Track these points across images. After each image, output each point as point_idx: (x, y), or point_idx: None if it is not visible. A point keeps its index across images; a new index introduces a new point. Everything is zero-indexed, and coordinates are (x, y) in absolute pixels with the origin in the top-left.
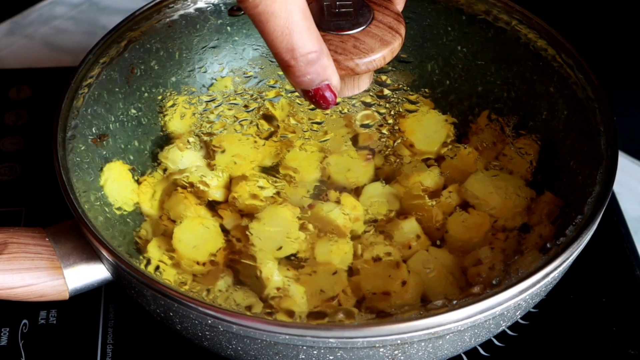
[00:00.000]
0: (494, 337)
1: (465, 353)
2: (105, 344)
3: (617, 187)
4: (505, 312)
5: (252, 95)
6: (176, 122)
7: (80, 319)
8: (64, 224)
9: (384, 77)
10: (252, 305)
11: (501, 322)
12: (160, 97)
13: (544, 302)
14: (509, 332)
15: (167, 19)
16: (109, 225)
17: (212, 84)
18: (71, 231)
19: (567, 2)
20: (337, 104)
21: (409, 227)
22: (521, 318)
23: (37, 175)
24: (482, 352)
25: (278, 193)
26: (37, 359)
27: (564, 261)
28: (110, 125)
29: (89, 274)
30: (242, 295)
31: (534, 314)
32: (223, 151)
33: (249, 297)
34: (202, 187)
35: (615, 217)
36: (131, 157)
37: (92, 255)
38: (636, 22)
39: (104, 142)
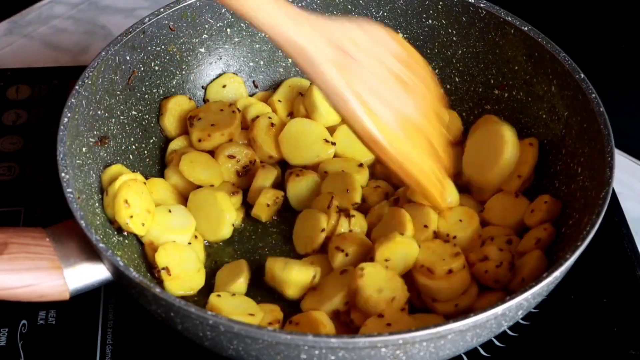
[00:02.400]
0: (495, 337)
1: (466, 353)
2: (104, 344)
3: (618, 187)
4: (507, 312)
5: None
6: (175, 123)
7: (80, 319)
8: (64, 223)
9: None
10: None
11: (503, 321)
12: (160, 99)
13: (544, 303)
14: (509, 332)
15: (169, 22)
16: (109, 226)
17: (210, 82)
18: (71, 231)
19: (568, 4)
20: None
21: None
22: (522, 318)
23: (36, 175)
24: (482, 352)
25: None
26: None
27: (566, 261)
28: (111, 126)
29: (90, 274)
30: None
31: (535, 314)
32: (199, 119)
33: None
34: None
35: (616, 217)
36: (131, 158)
37: (92, 255)
38: (635, 23)
39: (105, 144)
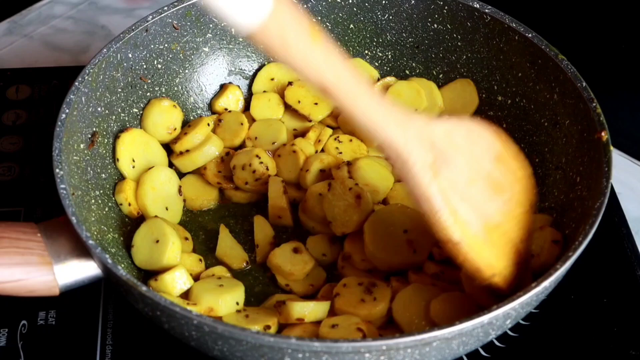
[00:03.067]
0: (495, 337)
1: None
2: (104, 345)
3: (618, 187)
4: (494, 321)
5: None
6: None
7: (79, 320)
8: (56, 219)
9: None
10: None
11: (490, 330)
12: (162, 97)
13: (544, 302)
14: (509, 332)
15: (172, 21)
16: (105, 224)
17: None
18: (63, 227)
19: (569, 6)
20: None
21: None
22: (522, 319)
23: (36, 175)
24: (482, 352)
25: None
26: None
27: (556, 271)
28: (112, 123)
29: (80, 270)
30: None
31: (535, 314)
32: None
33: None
34: None
35: (616, 217)
36: None
37: (83, 251)
38: (635, 25)
39: (98, 140)
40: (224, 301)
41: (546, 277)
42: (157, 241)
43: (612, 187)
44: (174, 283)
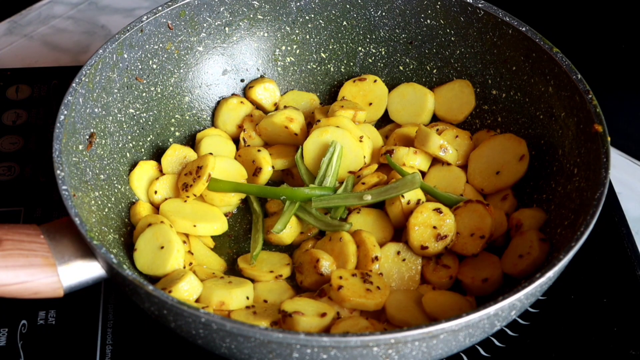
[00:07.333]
0: (495, 337)
1: (465, 353)
2: (104, 344)
3: (618, 187)
4: (500, 312)
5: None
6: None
7: (79, 319)
8: (59, 221)
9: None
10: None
11: (496, 321)
12: (158, 97)
13: (544, 302)
14: (509, 332)
15: (167, 20)
16: (105, 224)
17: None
18: (66, 228)
19: (567, 5)
20: None
21: None
22: (522, 318)
23: (36, 175)
24: (482, 352)
25: None
26: None
27: (559, 262)
28: (109, 124)
29: (84, 271)
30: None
31: (535, 314)
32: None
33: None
34: None
35: (616, 217)
36: (128, 156)
37: (87, 252)
38: (635, 23)
39: (96, 141)
40: (235, 295)
41: (550, 268)
42: (162, 247)
43: (612, 188)
44: (190, 291)
